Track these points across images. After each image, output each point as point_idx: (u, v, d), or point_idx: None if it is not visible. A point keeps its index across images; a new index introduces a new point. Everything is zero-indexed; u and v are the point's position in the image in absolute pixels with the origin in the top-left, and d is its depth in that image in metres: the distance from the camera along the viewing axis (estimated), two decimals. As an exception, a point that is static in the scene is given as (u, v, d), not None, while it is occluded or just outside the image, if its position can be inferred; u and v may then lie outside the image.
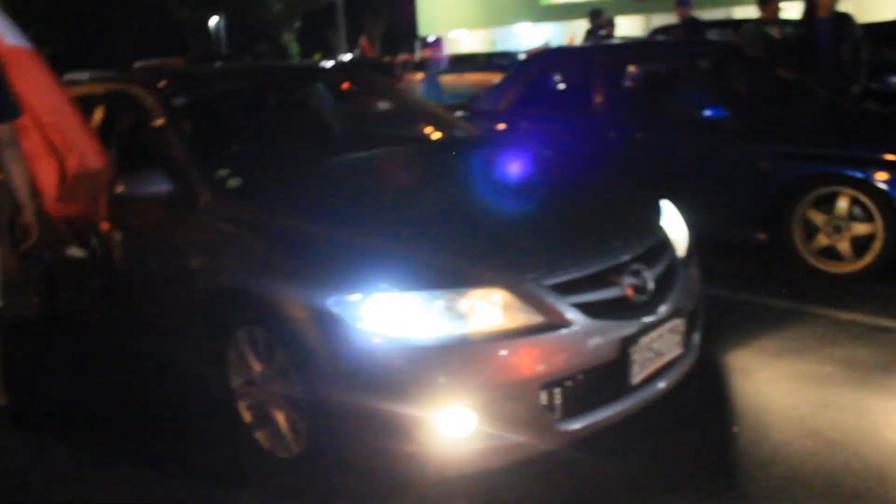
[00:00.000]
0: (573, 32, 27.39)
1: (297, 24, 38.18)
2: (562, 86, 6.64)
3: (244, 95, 4.55)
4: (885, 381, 3.58)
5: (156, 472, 3.22)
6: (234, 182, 3.48)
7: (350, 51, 30.46)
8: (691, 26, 9.88)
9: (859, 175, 4.69)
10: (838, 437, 3.11)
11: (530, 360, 2.67)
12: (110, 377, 4.20)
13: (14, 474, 3.31)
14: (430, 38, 27.67)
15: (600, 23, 10.76)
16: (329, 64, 6.49)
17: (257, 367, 3.08)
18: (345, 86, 5.43)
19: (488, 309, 2.67)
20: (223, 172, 3.54)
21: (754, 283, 4.95)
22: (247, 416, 3.22)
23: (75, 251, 4.30)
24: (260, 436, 3.17)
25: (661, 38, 11.25)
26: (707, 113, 5.14)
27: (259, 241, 3.09)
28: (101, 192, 3.80)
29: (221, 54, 29.78)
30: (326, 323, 2.68)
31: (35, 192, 3.79)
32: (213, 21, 40.09)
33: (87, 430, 3.63)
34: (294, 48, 38.14)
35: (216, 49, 38.12)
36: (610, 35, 11.14)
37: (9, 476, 3.30)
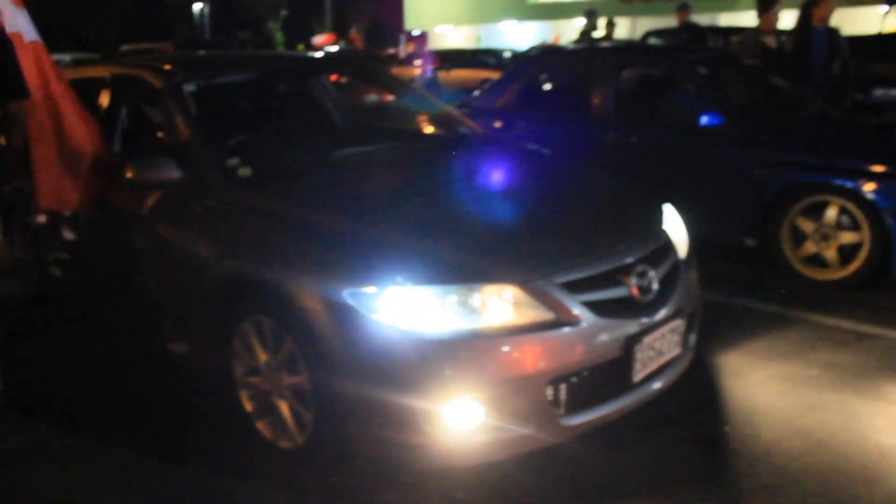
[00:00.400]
0: (559, 31, 27.51)
1: (283, 13, 38.00)
2: (560, 86, 6.71)
3: (252, 84, 4.58)
4: (869, 385, 3.70)
5: (154, 461, 3.25)
6: (244, 171, 3.52)
7: (336, 42, 30.32)
8: (691, 31, 9.99)
9: (848, 185, 4.82)
10: (826, 438, 3.23)
11: (539, 356, 2.74)
12: (107, 364, 4.22)
13: (10, 463, 3.32)
14: (415, 33, 27.61)
15: (594, 23, 10.86)
16: (323, 55, 6.55)
17: (263, 356, 3.13)
18: (333, 77, 5.47)
19: (500, 305, 2.75)
20: (233, 161, 3.58)
21: (743, 288, 5.06)
22: (248, 406, 3.26)
23: (68, 234, 4.32)
24: (261, 426, 3.21)
25: (653, 40, 11.38)
26: (703, 119, 5.24)
27: (271, 231, 3.13)
28: (97, 177, 3.86)
29: (206, 41, 29.58)
30: (341, 314, 2.74)
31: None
32: (198, 6, 39.80)
33: (83, 418, 3.66)
34: (279, 37, 37.96)
35: (200, 35, 37.87)
36: (610, 36, 11.24)
37: (4, 465, 3.31)
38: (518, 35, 30.66)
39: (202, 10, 39.96)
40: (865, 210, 4.80)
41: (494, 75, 7.34)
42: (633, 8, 27.32)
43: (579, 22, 11.15)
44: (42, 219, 4.49)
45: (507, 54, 16.03)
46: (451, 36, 33.64)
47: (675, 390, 3.29)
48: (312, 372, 2.87)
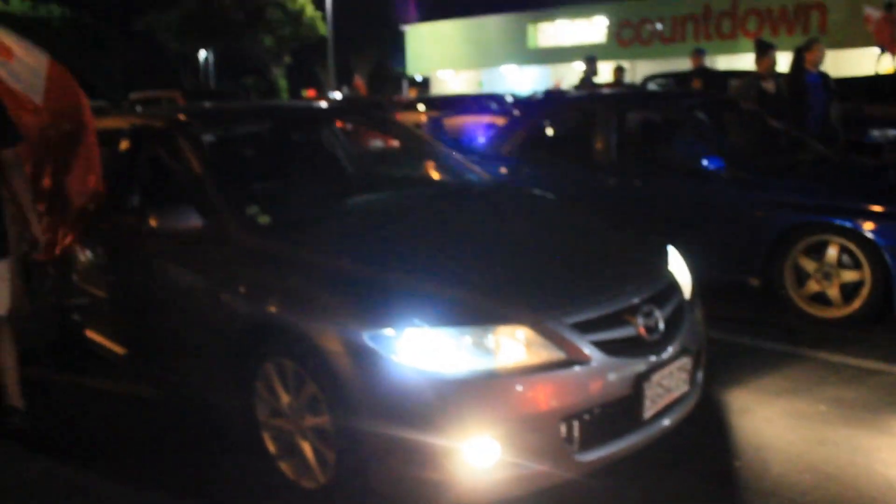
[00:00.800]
0: (560, 75, 27.88)
1: (287, 60, 38.54)
2: (563, 132, 6.88)
3: (267, 133, 4.72)
4: (875, 420, 3.79)
5: (177, 500, 3.32)
6: (263, 219, 3.64)
7: (339, 88, 30.76)
8: (705, 75, 10.16)
9: (848, 224, 4.94)
10: (834, 472, 3.31)
11: (552, 394, 2.84)
12: (128, 402, 4.33)
13: (29, 492, 3.42)
14: (418, 78, 28.00)
15: (594, 69, 11.09)
16: (332, 103, 6.76)
17: (285, 398, 3.22)
18: (339, 124, 5.62)
19: (513, 345, 2.85)
20: (253, 209, 3.70)
21: (750, 327, 5.16)
22: (272, 447, 3.35)
23: (87, 280, 4.44)
24: (285, 466, 3.29)
25: (652, 85, 11.60)
26: (705, 162, 5.38)
27: (292, 277, 3.24)
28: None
29: (212, 89, 30.05)
30: (361, 356, 2.83)
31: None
32: (202, 54, 40.42)
33: (103, 453, 3.77)
34: (283, 83, 38.45)
35: (206, 82, 38.45)
36: (620, 81, 11.46)
37: (23, 493, 3.41)
38: (519, 79, 31.07)
39: (206, 57, 40.59)
40: (865, 249, 4.91)
41: (498, 120, 7.48)
42: (631, 51, 27.74)
43: (579, 65, 11.40)
44: (59, 268, 4.62)
45: (509, 99, 16.15)
46: (453, 81, 34.06)
47: (685, 427, 3.37)
48: (334, 413, 2.96)
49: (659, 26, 27.49)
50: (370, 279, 3.07)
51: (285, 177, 4.50)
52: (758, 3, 24.72)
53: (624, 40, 28.48)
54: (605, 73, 16.01)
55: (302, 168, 4.68)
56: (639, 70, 24.72)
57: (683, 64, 11.95)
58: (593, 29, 29.50)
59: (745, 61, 21.23)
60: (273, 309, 3.20)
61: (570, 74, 25.73)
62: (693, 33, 26.41)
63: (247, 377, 3.36)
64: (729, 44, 25.04)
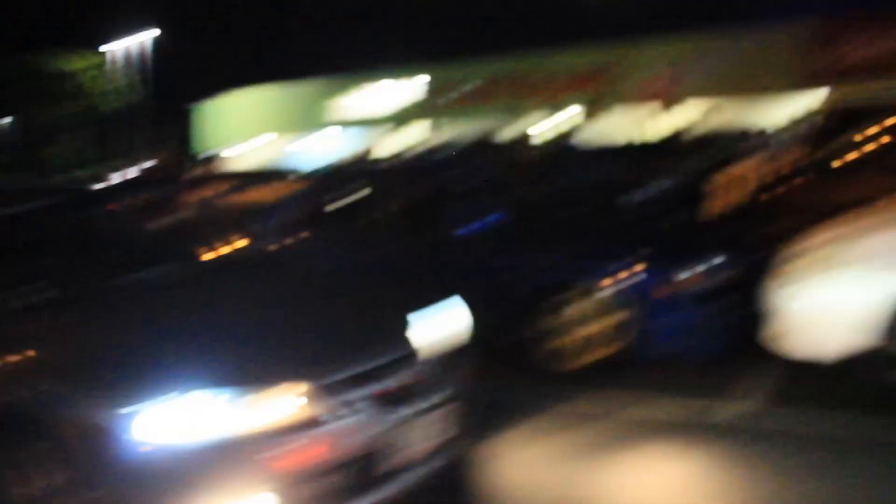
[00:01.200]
0: (370, 141, 28.13)
1: (94, 129, 37.02)
2: (341, 204, 7.14)
3: (43, 213, 4.69)
4: (601, 456, 4.39)
5: None
6: (32, 300, 3.68)
7: (150, 158, 29.81)
8: (488, 145, 10.80)
9: (586, 282, 5.52)
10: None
11: (310, 451, 3.12)
12: None
13: None
14: (205, 155, 26.90)
15: (381, 140, 11.51)
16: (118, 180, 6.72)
17: (38, 483, 3.22)
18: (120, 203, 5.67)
19: (272, 406, 3.10)
20: (21, 290, 3.73)
21: (510, 381, 5.44)
22: None
23: None
24: None
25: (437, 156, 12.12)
26: (462, 229, 5.85)
27: (43, 358, 3.34)
28: None
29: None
30: (111, 435, 2.97)
31: None
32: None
33: None
34: (91, 153, 36.75)
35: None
36: (428, 145, 11.82)
37: None
38: (327, 147, 30.95)
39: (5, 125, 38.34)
40: (608, 302, 5.48)
41: (286, 192, 7.62)
42: (442, 112, 27.95)
43: (386, 131, 11.75)
44: None
45: (301, 171, 16.14)
46: (248, 155, 32.90)
47: (445, 474, 3.72)
48: (88, 494, 3.04)
49: (469, 87, 27.93)
50: (124, 357, 3.22)
51: (62, 256, 4.49)
52: (562, 66, 25.53)
53: (433, 105, 28.76)
54: (417, 134, 16.37)
55: (79, 248, 4.67)
56: (451, 131, 25.08)
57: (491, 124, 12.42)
58: (403, 93, 29.77)
59: (548, 122, 22.56)
60: (23, 393, 3.25)
61: (383, 140, 25.91)
62: (504, 94, 26.88)
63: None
64: (535, 103, 25.74)
